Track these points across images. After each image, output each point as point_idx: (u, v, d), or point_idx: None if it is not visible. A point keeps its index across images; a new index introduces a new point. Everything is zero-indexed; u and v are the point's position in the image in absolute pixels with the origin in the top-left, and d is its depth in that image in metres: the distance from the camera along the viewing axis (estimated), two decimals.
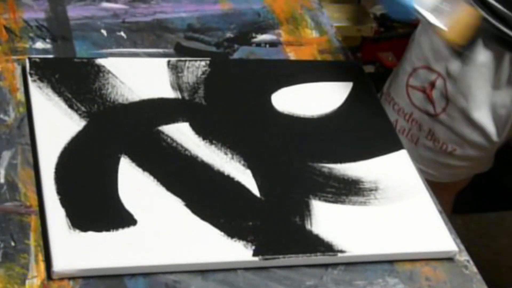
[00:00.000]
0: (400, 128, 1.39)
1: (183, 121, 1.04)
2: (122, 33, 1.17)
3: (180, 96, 1.08)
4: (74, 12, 1.19)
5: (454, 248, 0.97)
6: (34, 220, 0.90)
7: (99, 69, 1.08)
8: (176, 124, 1.03)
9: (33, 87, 1.03)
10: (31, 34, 1.13)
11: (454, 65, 1.30)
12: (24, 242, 0.88)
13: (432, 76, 1.32)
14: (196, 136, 1.03)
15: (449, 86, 1.31)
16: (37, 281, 0.85)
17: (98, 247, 0.88)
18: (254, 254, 0.91)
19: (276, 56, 1.20)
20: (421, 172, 1.37)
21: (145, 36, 1.18)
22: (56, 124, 1.00)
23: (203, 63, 1.13)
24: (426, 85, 1.33)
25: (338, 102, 1.13)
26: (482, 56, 1.26)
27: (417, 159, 1.38)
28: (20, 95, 1.04)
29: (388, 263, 0.95)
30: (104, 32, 1.17)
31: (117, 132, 1.01)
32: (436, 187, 1.13)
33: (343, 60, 1.22)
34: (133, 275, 0.87)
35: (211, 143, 1.02)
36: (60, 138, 0.98)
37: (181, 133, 1.02)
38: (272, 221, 0.95)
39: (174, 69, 1.11)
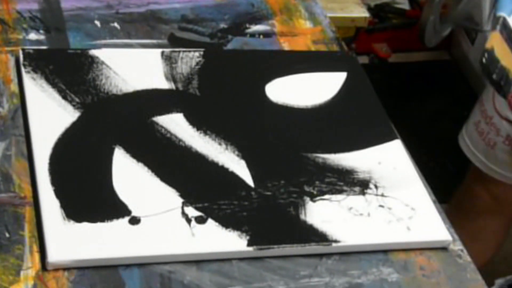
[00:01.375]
0: (480, 130, 1.40)
1: (177, 111, 1.04)
2: (115, 24, 1.17)
3: (174, 87, 1.08)
4: (67, 3, 1.18)
5: (448, 238, 0.97)
6: (28, 211, 0.90)
7: (93, 60, 1.08)
8: (170, 115, 1.03)
9: (27, 79, 1.03)
10: (25, 25, 1.13)
11: None
12: (19, 233, 0.88)
13: None
14: (190, 126, 1.03)
15: None
16: (31, 272, 0.85)
17: (92, 238, 0.88)
18: (249, 244, 0.91)
19: (270, 46, 1.20)
20: (496, 173, 1.38)
21: (139, 27, 1.18)
22: (50, 115, 0.99)
23: (197, 53, 1.13)
24: (510, 92, 1.35)
25: (332, 93, 1.13)
26: None
27: (493, 161, 1.39)
28: (14, 87, 1.04)
29: (382, 253, 0.95)
30: (97, 23, 1.17)
31: (111, 123, 1.01)
32: None
33: (337, 50, 1.22)
34: (127, 266, 0.87)
35: (205, 133, 1.02)
36: (54, 129, 0.98)
37: (175, 123, 1.02)
38: (266, 211, 0.95)
39: (168, 60, 1.11)
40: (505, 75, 1.09)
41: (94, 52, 1.09)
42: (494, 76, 1.10)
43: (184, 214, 0.92)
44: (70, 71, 1.06)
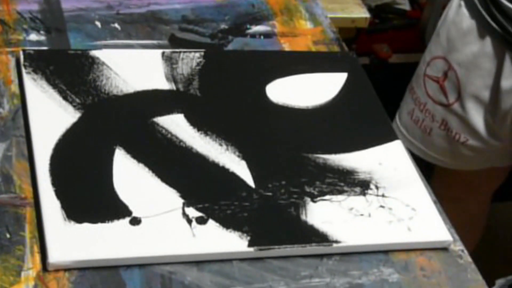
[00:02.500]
0: (415, 118, 1.42)
1: (178, 112, 1.04)
2: (116, 25, 1.17)
3: (174, 88, 1.08)
4: (68, 4, 1.18)
5: (449, 238, 0.97)
6: (29, 212, 0.90)
7: (94, 61, 1.08)
8: (170, 116, 1.03)
9: (28, 79, 1.03)
10: (25, 26, 1.13)
11: (465, 55, 1.32)
12: (20, 234, 0.88)
13: (446, 67, 1.35)
14: (191, 127, 1.03)
15: (461, 76, 1.33)
16: (32, 273, 0.85)
17: (93, 239, 0.88)
18: (249, 245, 0.91)
19: (271, 47, 1.20)
20: (435, 160, 1.41)
21: (140, 27, 1.18)
22: (50, 116, 0.99)
23: (197, 54, 1.13)
24: (440, 76, 1.36)
25: (332, 93, 1.13)
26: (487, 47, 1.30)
27: (430, 148, 1.42)
28: (15, 87, 1.04)
29: (383, 253, 0.95)
30: (98, 23, 1.17)
31: (112, 123, 1.01)
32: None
33: (338, 51, 1.22)
34: (128, 266, 0.87)
35: (206, 134, 1.02)
36: (54, 130, 0.98)
37: (176, 124, 1.02)
38: (267, 212, 0.95)
39: (169, 60, 1.11)
40: None
41: (94, 53, 1.09)
42: None
43: (184, 214, 0.92)
44: (70, 72, 1.06)
